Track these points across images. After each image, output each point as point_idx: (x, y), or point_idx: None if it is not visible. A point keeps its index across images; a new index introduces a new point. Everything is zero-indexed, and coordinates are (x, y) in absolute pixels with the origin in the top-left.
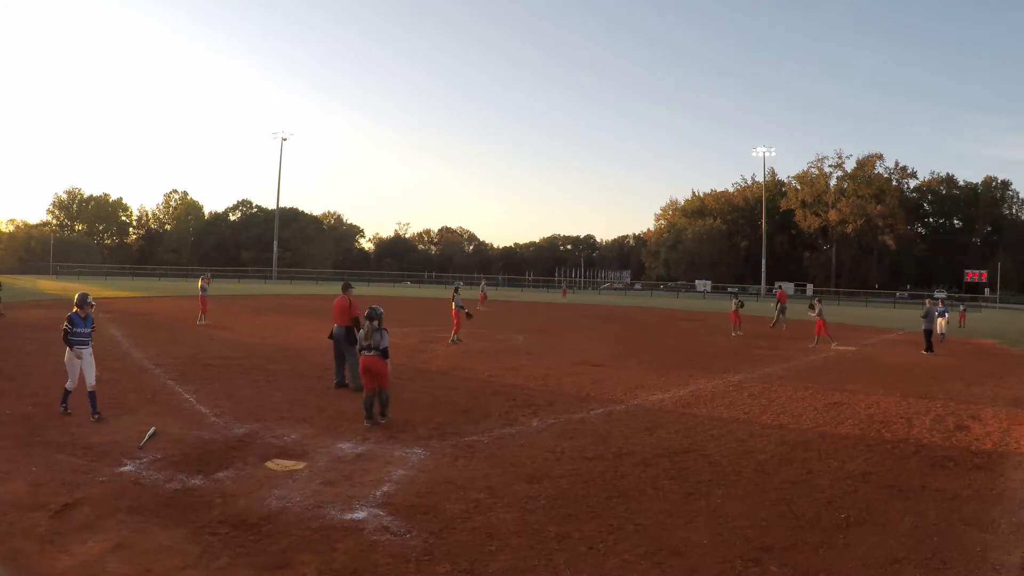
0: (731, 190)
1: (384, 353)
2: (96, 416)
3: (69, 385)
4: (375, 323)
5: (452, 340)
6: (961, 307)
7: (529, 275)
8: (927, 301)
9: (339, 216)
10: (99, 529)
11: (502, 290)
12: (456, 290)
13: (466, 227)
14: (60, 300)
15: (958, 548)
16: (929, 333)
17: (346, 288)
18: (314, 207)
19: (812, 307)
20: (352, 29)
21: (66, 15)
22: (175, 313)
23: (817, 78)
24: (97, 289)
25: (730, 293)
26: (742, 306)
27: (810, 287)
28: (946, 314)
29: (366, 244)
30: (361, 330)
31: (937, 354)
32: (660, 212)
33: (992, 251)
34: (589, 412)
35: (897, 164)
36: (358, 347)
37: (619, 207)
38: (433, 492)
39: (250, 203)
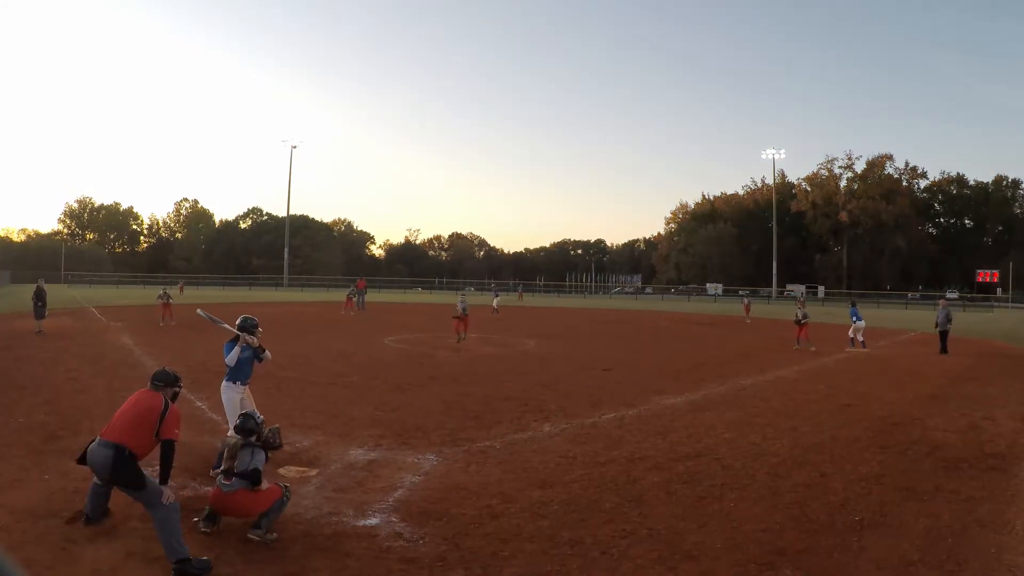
0: (741, 193)
1: (252, 477)
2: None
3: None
4: (252, 437)
5: (460, 338)
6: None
7: (540, 280)
8: (941, 302)
9: (349, 223)
10: (112, 537)
11: (537, 296)
12: (463, 296)
13: (477, 233)
14: (70, 309)
15: (973, 550)
16: (944, 335)
17: (161, 384)
18: (324, 214)
19: (802, 311)
20: (361, 35)
21: (77, 23)
22: (187, 321)
23: (825, 79)
24: (108, 297)
25: (795, 297)
26: (807, 317)
27: (821, 289)
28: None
29: (377, 251)
30: (222, 446)
31: (952, 354)
32: (670, 216)
33: (1004, 251)
34: (601, 417)
35: (907, 164)
36: (212, 471)
37: (629, 211)
38: (446, 498)
39: (260, 211)
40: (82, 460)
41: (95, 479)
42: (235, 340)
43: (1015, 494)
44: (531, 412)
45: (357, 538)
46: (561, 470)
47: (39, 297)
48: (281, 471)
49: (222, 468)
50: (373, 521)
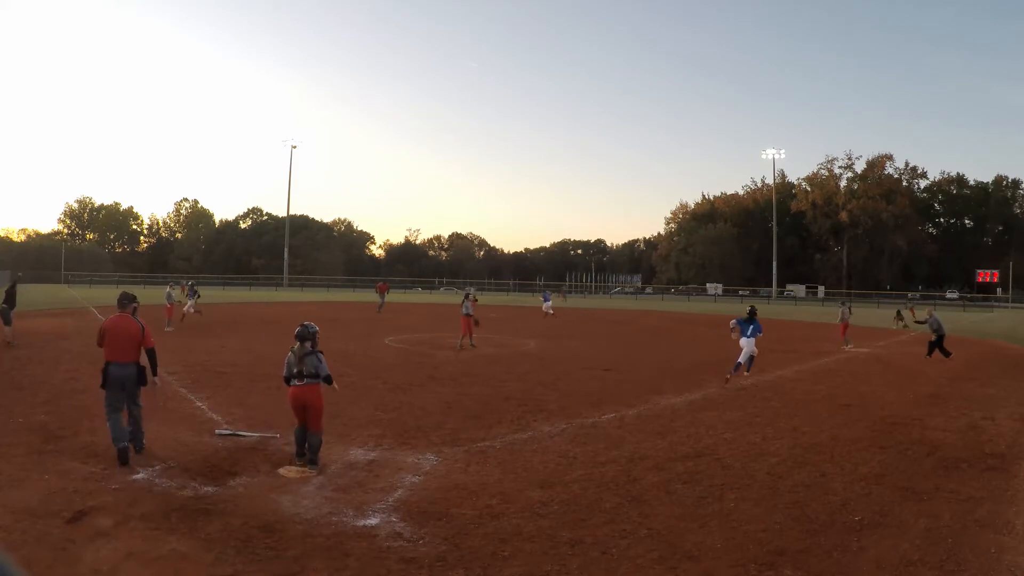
0: (741, 193)
1: (327, 380)
2: None
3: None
4: (307, 344)
5: (458, 344)
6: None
7: (540, 280)
8: (929, 310)
9: (349, 223)
10: (112, 537)
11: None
12: (467, 296)
13: (477, 233)
14: (70, 309)
15: (972, 550)
16: (938, 339)
17: (126, 303)
18: (324, 214)
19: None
20: (362, 35)
21: (77, 22)
22: (186, 321)
23: (826, 79)
24: (109, 297)
25: (841, 301)
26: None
27: (821, 289)
28: (549, 299)
29: (377, 251)
30: (290, 353)
31: (936, 358)
32: (670, 216)
33: (1003, 251)
34: (601, 417)
35: (907, 164)
36: (285, 375)
37: (629, 211)
38: (445, 498)
39: (260, 211)
40: (105, 383)
41: (109, 409)
42: None
43: (1015, 494)
44: (531, 412)
45: (357, 538)
46: (561, 470)
47: (10, 297)
48: (281, 471)
49: (289, 375)
50: (373, 521)
